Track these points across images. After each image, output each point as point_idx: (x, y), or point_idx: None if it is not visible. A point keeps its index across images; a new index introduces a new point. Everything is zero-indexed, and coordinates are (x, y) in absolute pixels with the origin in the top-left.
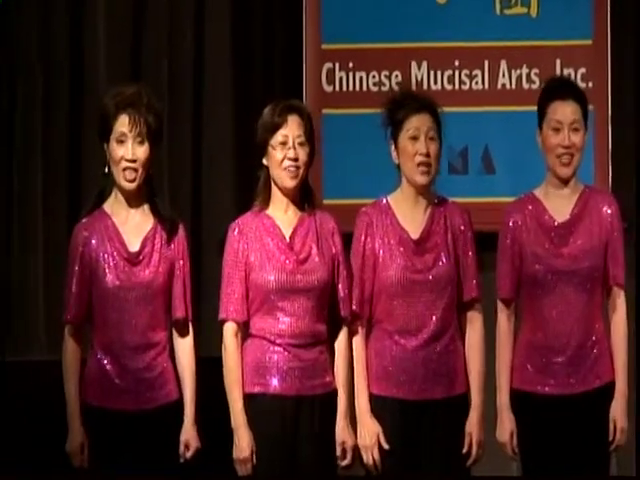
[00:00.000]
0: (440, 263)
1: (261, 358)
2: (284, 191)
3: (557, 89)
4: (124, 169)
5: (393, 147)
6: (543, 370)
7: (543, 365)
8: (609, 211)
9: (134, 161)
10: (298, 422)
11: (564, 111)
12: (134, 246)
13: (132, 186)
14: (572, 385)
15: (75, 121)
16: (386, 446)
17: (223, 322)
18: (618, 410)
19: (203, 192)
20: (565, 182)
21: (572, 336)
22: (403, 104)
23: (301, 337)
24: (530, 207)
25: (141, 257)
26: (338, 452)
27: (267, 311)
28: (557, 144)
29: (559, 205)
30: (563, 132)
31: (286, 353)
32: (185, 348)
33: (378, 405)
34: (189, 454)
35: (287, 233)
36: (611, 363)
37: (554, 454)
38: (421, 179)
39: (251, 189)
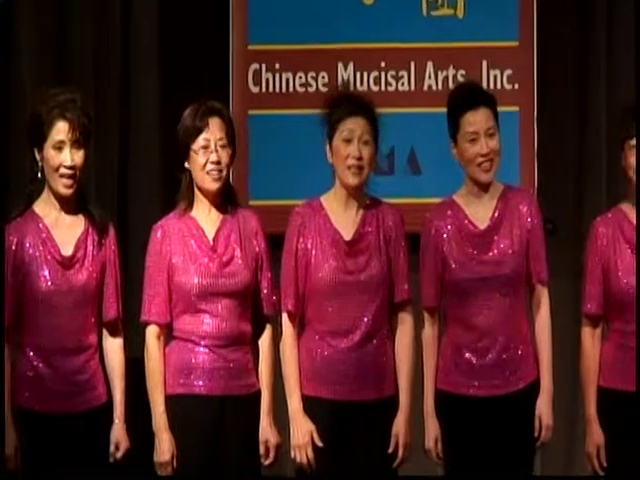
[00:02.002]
0: (372, 264)
1: (186, 359)
2: (207, 193)
3: (466, 99)
4: (62, 176)
5: (328, 147)
6: (468, 372)
7: (468, 367)
8: (528, 210)
9: (72, 167)
10: (223, 422)
11: (477, 120)
12: (67, 250)
13: (70, 192)
14: (497, 387)
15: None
16: (320, 444)
17: (145, 324)
18: (543, 407)
19: (129, 193)
20: (485, 188)
21: (497, 339)
22: (340, 105)
23: (225, 338)
24: (450, 212)
25: (74, 260)
26: (261, 451)
27: (191, 313)
28: (476, 154)
29: (480, 211)
30: (480, 141)
31: (211, 354)
32: (115, 349)
33: (309, 405)
34: (119, 454)
35: (210, 235)
36: (535, 363)
37: (478, 455)
38: (352, 180)
39: (176, 191)
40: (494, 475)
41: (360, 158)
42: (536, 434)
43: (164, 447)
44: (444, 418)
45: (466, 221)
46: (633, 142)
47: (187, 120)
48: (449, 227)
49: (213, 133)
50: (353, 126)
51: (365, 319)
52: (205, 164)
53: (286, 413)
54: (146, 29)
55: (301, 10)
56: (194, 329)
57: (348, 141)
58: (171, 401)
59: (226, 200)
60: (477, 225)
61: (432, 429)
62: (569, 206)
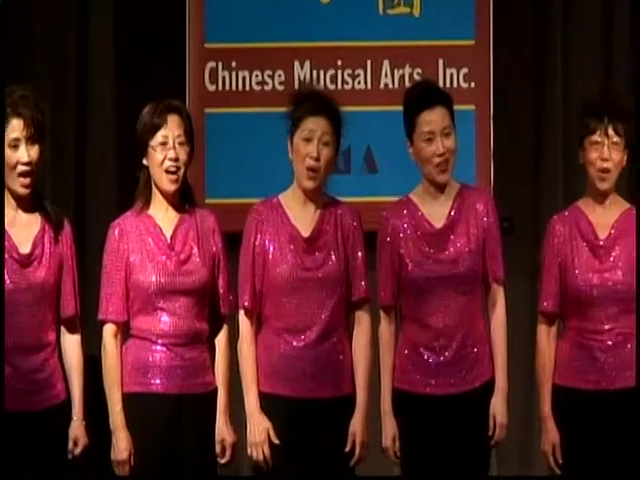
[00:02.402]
0: (330, 262)
1: (143, 358)
2: (164, 191)
3: (422, 98)
4: (20, 174)
5: (289, 143)
6: (424, 371)
7: (425, 366)
8: (484, 208)
9: (29, 163)
10: (180, 421)
11: (433, 120)
12: (25, 247)
13: (27, 192)
14: (452, 385)
15: None
16: (276, 441)
17: (102, 323)
18: (498, 406)
19: (86, 191)
20: (442, 188)
21: (453, 337)
22: (303, 103)
23: (182, 336)
24: (406, 211)
25: (32, 258)
26: (218, 450)
27: (148, 311)
28: (432, 154)
29: (436, 210)
30: (436, 141)
31: (168, 352)
32: (73, 346)
33: (267, 403)
34: (77, 450)
35: (168, 233)
36: (491, 362)
37: (434, 454)
38: (307, 184)
39: (132, 189)
40: (450, 475)
41: (318, 159)
42: (490, 433)
43: (121, 445)
44: (401, 417)
45: (422, 220)
46: (594, 138)
47: (146, 117)
48: (405, 226)
49: (171, 130)
50: (314, 126)
51: (322, 316)
52: (163, 161)
53: (244, 411)
54: (102, 28)
55: (258, 8)
56: (151, 328)
57: (308, 140)
58: (128, 400)
59: (184, 199)
60: (433, 224)
61: (389, 427)
62: (526, 204)
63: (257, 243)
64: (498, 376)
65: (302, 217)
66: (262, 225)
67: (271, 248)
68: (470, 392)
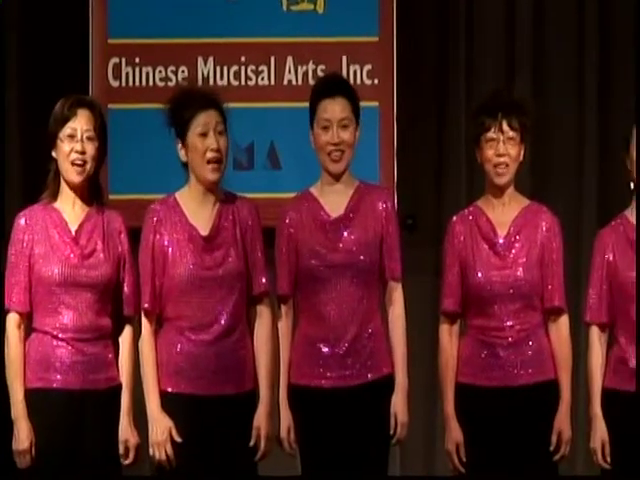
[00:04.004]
0: (229, 259)
1: (44, 353)
2: (71, 185)
3: (325, 87)
4: None
5: (180, 146)
6: (320, 364)
7: (320, 359)
8: (384, 206)
9: None
10: (83, 416)
11: (332, 109)
12: None
13: None
14: (348, 377)
15: None
16: (179, 440)
17: (7, 312)
18: (398, 404)
19: None
20: (337, 178)
21: (348, 329)
22: (189, 103)
23: (84, 331)
24: (305, 203)
25: None
26: (121, 450)
27: (50, 305)
28: (327, 142)
29: (334, 200)
30: (332, 130)
31: (69, 347)
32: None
33: (169, 401)
34: None
35: (73, 227)
36: (389, 358)
37: (332, 448)
38: (212, 176)
39: (38, 182)
40: (349, 472)
41: (219, 150)
42: (392, 431)
43: (22, 435)
44: (297, 411)
45: (320, 210)
46: (489, 135)
47: (57, 109)
48: (303, 217)
49: (80, 123)
50: (207, 119)
51: (224, 313)
52: (70, 153)
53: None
54: (5, 22)
55: (161, 4)
56: (53, 322)
57: (204, 135)
58: (30, 395)
59: (92, 195)
60: (330, 214)
61: (285, 419)
62: (429, 201)
63: (156, 244)
64: (398, 374)
65: (200, 215)
66: (160, 225)
67: (170, 248)
68: (366, 385)
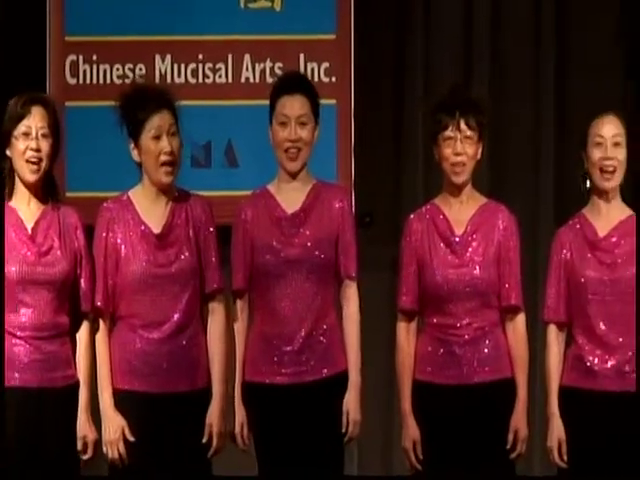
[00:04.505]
0: (182, 257)
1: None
2: (26, 182)
3: (285, 84)
4: None
5: (132, 146)
6: (274, 360)
7: (275, 355)
8: (341, 205)
9: None
10: (41, 415)
11: (291, 105)
12: None
13: None
14: (303, 373)
15: None
16: (131, 439)
17: None
18: (351, 402)
19: None
20: (294, 176)
21: (302, 325)
22: (141, 104)
23: (43, 329)
24: (263, 201)
25: None
26: (79, 447)
27: (8, 304)
28: (284, 138)
29: (290, 197)
30: (290, 127)
31: (27, 346)
32: None
33: (122, 399)
34: None
35: (29, 225)
36: (343, 353)
37: (288, 444)
38: (166, 179)
39: None
40: (304, 468)
41: (172, 152)
42: (344, 429)
43: None
44: (251, 408)
45: (276, 207)
46: (447, 134)
47: (11, 107)
48: (260, 213)
49: (35, 121)
50: (160, 122)
51: (177, 310)
52: (25, 151)
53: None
54: None
55: (119, 1)
56: (11, 320)
57: (157, 137)
58: None
59: (47, 192)
60: (286, 210)
61: (239, 415)
62: (386, 199)
63: (108, 242)
64: (351, 372)
65: (153, 213)
66: (113, 224)
67: (123, 246)
68: (322, 382)
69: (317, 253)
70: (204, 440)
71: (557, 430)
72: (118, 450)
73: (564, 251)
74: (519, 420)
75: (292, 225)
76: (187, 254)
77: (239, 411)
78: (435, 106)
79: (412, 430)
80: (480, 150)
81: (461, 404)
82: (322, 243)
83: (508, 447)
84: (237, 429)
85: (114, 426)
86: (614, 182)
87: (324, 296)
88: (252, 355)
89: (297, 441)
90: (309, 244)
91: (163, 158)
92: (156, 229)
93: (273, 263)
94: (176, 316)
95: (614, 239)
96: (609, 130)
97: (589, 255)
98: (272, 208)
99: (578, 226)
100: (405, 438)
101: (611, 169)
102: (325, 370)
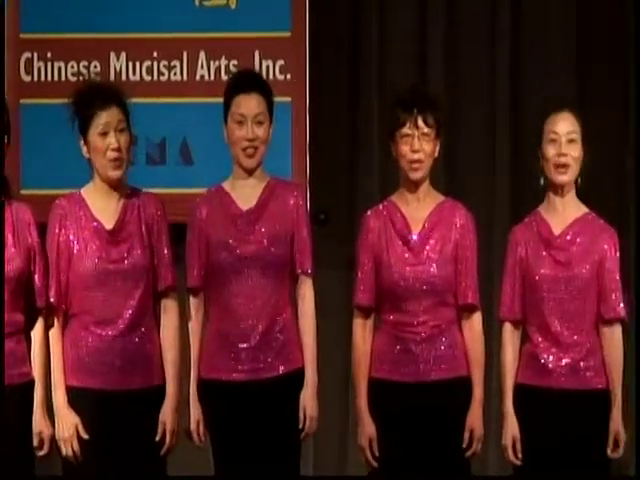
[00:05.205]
0: (135, 253)
1: None
2: None
3: (240, 83)
4: None
5: (82, 142)
6: (231, 357)
7: (231, 352)
8: (295, 202)
9: None
10: None
11: (247, 104)
12: None
13: None
14: (259, 370)
15: None
16: (85, 436)
17: None
18: (307, 398)
19: None
20: (250, 173)
21: (258, 322)
22: (90, 101)
23: None
24: (218, 199)
25: None
26: (35, 443)
27: None
28: (241, 137)
29: (246, 195)
30: (247, 125)
31: None
32: None
33: (76, 397)
34: None
35: None
36: (300, 350)
37: (244, 441)
38: (114, 174)
39: None
40: (260, 464)
41: (119, 149)
42: (301, 426)
43: None
44: (209, 405)
45: (231, 204)
46: (404, 131)
47: None
48: (215, 210)
49: None
50: (109, 118)
51: (130, 307)
52: None
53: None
54: None
55: None
56: None
57: (105, 134)
58: None
59: None
60: (241, 207)
61: (194, 412)
62: (341, 196)
63: (61, 239)
64: (307, 369)
65: (105, 210)
66: (65, 220)
67: (75, 243)
68: (278, 378)
69: (273, 250)
70: (157, 438)
71: (511, 428)
72: (72, 447)
73: (519, 249)
74: (475, 419)
75: (247, 222)
76: (139, 251)
77: (195, 408)
78: (393, 102)
79: (368, 427)
80: (437, 148)
81: (417, 402)
82: (277, 240)
83: (464, 446)
84: (193, 426)
85: (67, 423)
86: (568, 177)
87: (280, 293)
88: (208, 352)
89: (254, 438)
90: (264, 241)
91: (110, 154)
92: (108, 225)
93: (229, 260)
94: (129, 313)
95: (569, 237)
96: (564, 127)
97: (544, 253)
98: (227, 205)
99: (534, 224)
100: (361, 435)
101: (565, 164)
102: (282, 367)
